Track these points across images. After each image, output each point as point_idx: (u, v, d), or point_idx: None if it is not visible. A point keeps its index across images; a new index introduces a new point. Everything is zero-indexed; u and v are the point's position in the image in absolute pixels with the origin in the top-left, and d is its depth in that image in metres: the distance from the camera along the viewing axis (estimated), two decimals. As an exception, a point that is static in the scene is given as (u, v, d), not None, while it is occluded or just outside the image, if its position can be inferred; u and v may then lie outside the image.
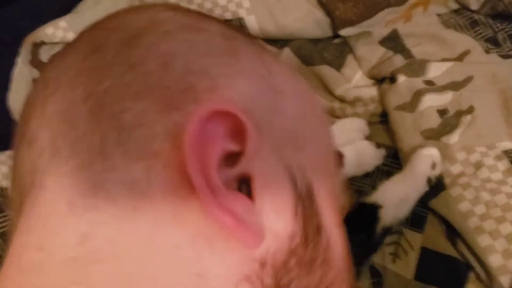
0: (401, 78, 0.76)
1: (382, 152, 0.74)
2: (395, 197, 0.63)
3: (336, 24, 0.89)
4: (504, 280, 0.57)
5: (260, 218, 0.27)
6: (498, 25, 0.83)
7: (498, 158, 0.65)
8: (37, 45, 0.82)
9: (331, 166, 0.36)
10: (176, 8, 0.33)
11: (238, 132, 0.26)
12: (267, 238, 0.27)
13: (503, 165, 0.64)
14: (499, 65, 0.76)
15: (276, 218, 0.28)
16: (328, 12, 0.89)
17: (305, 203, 0.29)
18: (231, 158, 0.27)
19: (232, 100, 0.28)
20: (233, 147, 0.26)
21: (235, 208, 0.26)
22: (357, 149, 0.72)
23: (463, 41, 0.80)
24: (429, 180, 0.65)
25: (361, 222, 0.60)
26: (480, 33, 0.83)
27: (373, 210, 0.60)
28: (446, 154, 0.67)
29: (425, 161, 0.65)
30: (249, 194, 0.27)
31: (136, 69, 0.27)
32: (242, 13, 0.88)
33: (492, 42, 0.81)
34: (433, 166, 0.65)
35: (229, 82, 0.28)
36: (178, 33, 0.30)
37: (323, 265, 0.31)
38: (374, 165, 0.73)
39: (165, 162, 0.25)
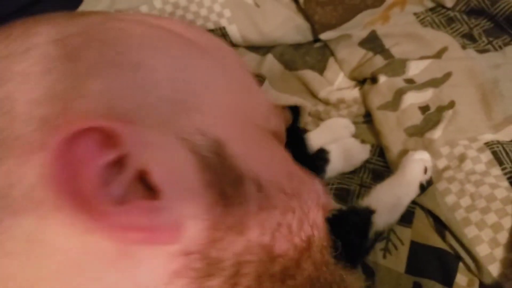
0: (382, 78, 0.78)
1: (367, 147, 0.75)
2: (388, 202, 0.63)
3: (316, 28, 0.90)
4: (492, 268, 0.58)
5: (169, 211, 0.26)
6: (473, 20, 0.86)
7: (480, 150, 0.66)
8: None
9: (249, 100, 0.35)
10: None
11: (110, 137, 0.25)
12: (184, 225, 0.26)
13: (485, 156, 0.66)
14: (476, 60, 0.78)
15: (187, 200, 0.26)
16: (308, 17, 0.91)
17: (214, 167, 0.28)
18: (122, 162, 0.25)
19: (88, 111, 0.26)
20: (113, 154, 0.25)
21: (136, 218, 0.25)
22: (344, 145, 0.74)
23: (440, 38, 0.82)
24: (421, 185, 0.66)
25: (353, 226, 0.60)
26: (456, 30, 0.85)
27: (365, 214, 0.61)
28: (431, 149, 0.69)
29: (417, 166, 0.65)
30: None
31: None
32: (223, 22, 0.89)
33: (468, 38, 0.83)
34: (425, 170, 0.66)
35: (77, 94, 0.26)
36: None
37: (261, 211, 0.29)
38: (361, 160, 0.74)
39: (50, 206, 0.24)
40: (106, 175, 0.25)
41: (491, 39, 0.82)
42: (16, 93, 0.26)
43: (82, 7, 0.86)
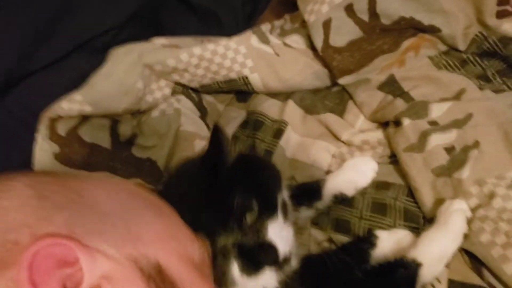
0: (406, 121, 0.80)
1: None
2: (435, 255, 0.64)
3: (335, 73, 0.94)
4: (534, 304, 0.60)
5: None
6: (486, 62, 0.90)
7: (509, 187, 0.69)
8: (54, 120, 0.85)
9: (176, 235, 0.44)
10: None
11: (69, 256, 0.33)
12: None
13: (515, 193, 0.68)
14: (494, 100, 0.81)
15: None
16: (326, 63, 0.94)
17: (157, 282, 0.36)
18: (79, 277, 0.33)
19: (53, 234, 0.34)
20: (71, 269, 0.33)
21: None
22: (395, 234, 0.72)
23: (457, 80, 0.86)
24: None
25: (401, 279, 0.61)
26: (470, 71, 0.89)
27: (413, 267, 0.62)
28: (460, 189, 0.71)
29: (460, 219, 0.66)
30: None
31: None
32: (246, 72, 0.93)
33: (483, 79, 0.87)
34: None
35: (45, 223, 0.34)
36: None
37: None
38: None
39: None
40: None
41: (505, 79, 0.86)
42: None
43: (93, 78, 0.89)
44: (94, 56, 0.94)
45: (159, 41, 0.95)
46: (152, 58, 0.89)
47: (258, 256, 0.55)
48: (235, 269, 0.54)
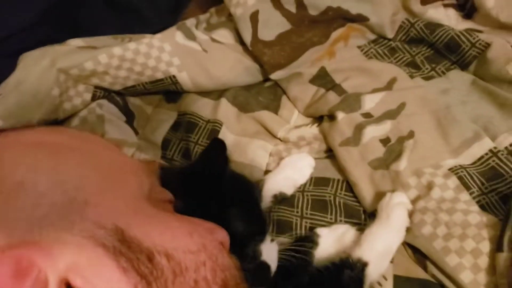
0: (340, 115, 0.79)
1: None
2: (380, 252, 0.62)
3: (266, 69, 0.90)
4: (479, 294, 0.60)
5: None
6: (414, 49, 0.90)
7: (446, 176, 0.68)
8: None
9: (120, 177, 0.40)
10: None
11: (22, 263, 0.29)
12: None
13: (452, 182, 0.68)
14: (425, 88, 0.81)
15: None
16: (256, 59, 0.91)
17: (124, 252, 0.32)
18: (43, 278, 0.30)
19: None
20: (32, 275, 0.29)
21: None
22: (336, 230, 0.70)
23: (388, 69, 0.85)
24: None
25: (349, 280, 0.59)
26: (400, 59, 0.89)
27: (359, 267, 0.60)
28: (398, 181, 0.70)
29: (402, 213, 0.65)
30: None
31: None
32: (173, 71, 0.87)
33: (413, 66, 0.87)
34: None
35: None
36: None
37: (176, 277, 0.34)
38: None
39: None
40: None
41: (433, 65, 0.86)
42: None
43: (20, 72, 0.80)
44: (2, 62, 0.84)
45: (75, 42, 0.87)
46: (67, 62, 0.81)
47: (256, 278, 0.52)
48: None
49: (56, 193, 0.34)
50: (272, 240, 0.59)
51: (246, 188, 0.63)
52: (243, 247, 0.53)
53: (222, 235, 0.44)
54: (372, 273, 0.60)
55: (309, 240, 0.69)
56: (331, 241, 0.68)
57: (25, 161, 0.38)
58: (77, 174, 0.37)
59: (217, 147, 0.59)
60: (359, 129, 0.76)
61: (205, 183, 0.56)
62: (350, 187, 0.76)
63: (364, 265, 0.60)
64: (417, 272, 0.65)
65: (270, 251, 0.56)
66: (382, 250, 0.63)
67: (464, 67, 0.85)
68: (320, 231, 0.70)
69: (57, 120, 0.88)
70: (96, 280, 0.30)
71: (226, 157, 0.59)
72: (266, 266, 0.55)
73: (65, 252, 0.31)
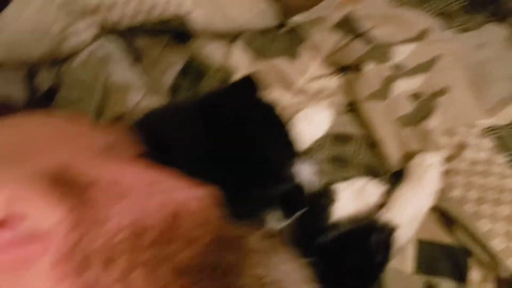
0: (368, 66, 0.73)
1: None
2: (409, 216, 0.59)
3: (286, 11, 0.83)
4: (510, 262, 0.56)
5: (35, 226, 0.31)
6: (448, -2, 0.83)
7: (480, 136, 0.64)
8: None
9: (62, 136, 0.42)
10: None
11: None
12: (51, 233, 0.31)
13: (487, 143, 0.63)
14: (460, 41, 0.75)
15: (46, 214, 0.32)
16: (275, 0, 0.83)
17: (60, 183, 0.34)
18: None
19: None
20: None
21: (3, 236, 0.30)
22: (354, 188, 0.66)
23: (420, 19, 0.78)
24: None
25: (377, 245, 0.55)
26: (433, 8, 0.81)
27: (388, 231, 0.56)
28: (428, 140, 0.65)
29: (435, 174, 0.61)
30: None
31: None
32: (185, 9, 0.79)
33: (446, 17, 0.80)
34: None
35: None
36: None
37: (116, 203, 0.35)
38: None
39: None
40: None
41: (469, 17, 0.79)
42: None
43: (18, 3, 0.72)
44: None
45: (77, -28, 0.79)
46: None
47: (292, 200, 0.51)
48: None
49: (5, 149, 0.37)
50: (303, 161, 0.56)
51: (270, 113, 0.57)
52: (277, 172, 0.50)
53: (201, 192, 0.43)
54: (401, 237, 0.57)
55: (326, 196, 0.65)
56: (350, 196, 0.64)
57: None
58: (29, 136, 0.40)
59: (248, 85, 0.53)
60: (388, 82, 0.71)
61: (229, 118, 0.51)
62: (372, 145, 0.71)
63: (392, 229, 0.57)
64: (443, 237, 0.62)
65: (307, 172, 0.54)
66: (412, 214, 0.59)
67: (501, 20, 0.78)
68: (337, 186, 0.66)
69: (58, 60, 0.82)
70: (31, 208, 0.32)
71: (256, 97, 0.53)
72: (300, 188, 0.53)
73: (3, 187, 0.31)
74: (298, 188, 0.52)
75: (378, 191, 0.63)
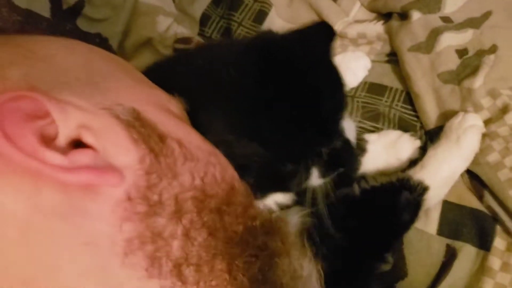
0: (415, 15, 0.68)
1: (417, 142, 0.63)
2: (443, 177, 0.56)
3: None
4: (538, 233, 0.55)
5: (109, 160, 0.31)
6: None
7: (525, 102, 0.60)
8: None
9: (149, 90, 0.41)
10: None
11: (37, 109, 0.30)
12: (122, 173, 0.31)
13: (531, 109, 0.60)
14: (516, -2, 0.70)
15: (120, 153, 0.32)
16: None
17: (137, 127, 0.34)
18: (54, 129, 0.31)
19: (13, 88, 0.30)
20: (43, 122, 0.30)
21: (82, 160, 0.30)
22: (386, 136, 0.63)
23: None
24: None
25: (406, 204, 0.53)
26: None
27: (419, 191, 0.54)
28: (470, 100, 0.62)
29: (475, 136, 0.57)
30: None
31: None
32: None
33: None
34: None
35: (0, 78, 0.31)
36: None
37: (187, 161, 0.36)
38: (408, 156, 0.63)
39: None
40: (43, 138, 0.29)
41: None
42: None
43: None
44: None
45: None
46: None
47: (343, 155, 0.49)
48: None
49: (81, 73, 0.35)
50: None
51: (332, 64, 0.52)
52: (329, 126, 0.47)
53: None
54: (432, 198, 0.55)
55: (357, 146, 0.63)
56: (380, 148, 0.63)
57: (60, 41, 0.39)
58: (104, 67, 0.39)
59: (324, 32, 0.49)
60: (434, 34, 0.66)
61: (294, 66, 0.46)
62: (409, 100, 0.68)
63: (425, 189, 0.54)
64: (470, 201, 0.60)
65: (350, 128, 0.51)
66: (446, 175, 0.57)
67: None
68: (369, 136, 0.64)
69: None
70: (106, 143, 0.31)
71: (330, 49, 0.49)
72: (350, 143, 0.50)
73: (78, 114, 0.31)
74: (347, 144, 0.49)
75: (411, 146, 0.61)
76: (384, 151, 0.62)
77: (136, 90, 0.39)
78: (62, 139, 0.30)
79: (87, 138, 0.31)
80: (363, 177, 0.58)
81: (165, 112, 0.39)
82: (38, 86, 0.31)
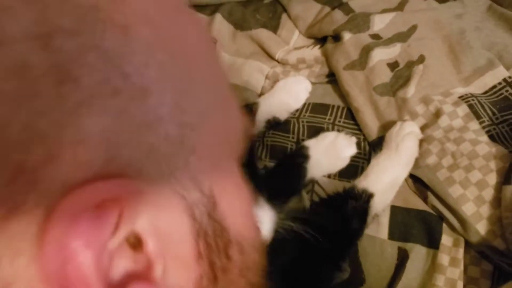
0: (346, 35, 0.73)
1: (353, 140, 0.67)
2: (387, 183, 0.59)
3: (267, -17, 0.83)
4: (480, 226, 0.57)
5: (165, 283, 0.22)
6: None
7: (455, 104, 0.64)
8: None
9: (228, 120, 0.27)
10: None
11: (105, 207, 0.19)
12: None
13: (461, 110, 0.63)
14: (439, 11, 0.75)
15: (177, 268, 0.23)
16: (256, -30, 0.83)
17: (207, 233, 0.24)
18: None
19: (84, 165, 0.19)
20: (110, 228, 0.19)
21: None
22: (324, 139, 0.66)
23: (399, -11, 0.78)
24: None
25: (353, 211, 0.56)
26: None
27: (364, 198, 0.57)
28: (405, 109, 0.65)
29: (413, 143, 0.61)
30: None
31: None
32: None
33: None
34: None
35: (71, 138, 0.18)
36: None
37: (246, 268, 0.27)
38: (348, 155, 0.66)
39: None
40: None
41: (448, -13, 0.79)
42: None
43: None
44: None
45: None
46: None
47: None
48: None
49: (172, 123, 0.22)
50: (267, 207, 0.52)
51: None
52: None
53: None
54: (377, 204, 0.58)
55: (299, 155, 0.66)
56: (322, 150, 0.65)
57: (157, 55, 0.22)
58: (198, 102, 0.24)
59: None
60: (366, 51, 0.70)
61: None
62: (350, 115, 0.71)
63: (369, 196, 0.57)
64: (416, 203, 0.62)
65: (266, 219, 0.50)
66: (389, 181, 0.60)
67: (481, -10, 0.78)
68: (307, 142, 0.67)
69: None
70: (166, 252, 0.22)
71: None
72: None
73: (150, 207, 0.21)
74: None
75: (349, 143, 0.65)
76: (325, 153, 0.65)
77: (218, 141, 0.26)
78: (119, 237, 0.20)
79: (148, 244, 0.21)
80: (312, 189, 0.61)
81: (235, 172, 0.28)
82: (117, 158, 0.19)
